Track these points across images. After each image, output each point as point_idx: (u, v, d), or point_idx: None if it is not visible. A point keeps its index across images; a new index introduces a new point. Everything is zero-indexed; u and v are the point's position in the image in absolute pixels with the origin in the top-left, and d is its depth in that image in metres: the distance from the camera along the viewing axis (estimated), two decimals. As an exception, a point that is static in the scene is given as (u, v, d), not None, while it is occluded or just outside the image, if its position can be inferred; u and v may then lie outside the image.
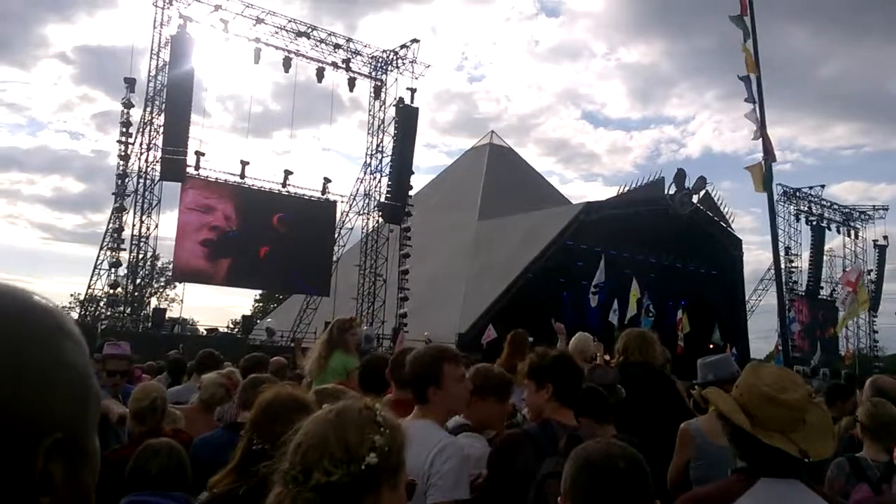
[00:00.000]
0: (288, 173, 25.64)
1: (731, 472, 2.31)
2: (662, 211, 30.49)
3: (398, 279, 26.88)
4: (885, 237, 39.17)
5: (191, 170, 23.29)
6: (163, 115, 22.80)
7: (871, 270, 37.67)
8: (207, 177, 24.17)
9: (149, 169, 23.18)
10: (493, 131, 42.53)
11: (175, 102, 22.41)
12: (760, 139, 5.02)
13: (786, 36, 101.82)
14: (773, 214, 4.95)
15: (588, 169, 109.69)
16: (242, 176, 24.70)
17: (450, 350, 3.19)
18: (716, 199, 33.80)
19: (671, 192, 31.58)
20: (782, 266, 35.71)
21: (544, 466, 2.46)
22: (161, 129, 22.69)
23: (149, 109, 23.24)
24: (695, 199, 32.40)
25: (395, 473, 1.47)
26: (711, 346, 24.08)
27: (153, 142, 23.07)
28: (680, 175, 32.00)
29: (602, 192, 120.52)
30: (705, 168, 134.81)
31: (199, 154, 23.55)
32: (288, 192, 25.81)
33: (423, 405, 2.88)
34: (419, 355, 3.06)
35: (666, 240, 30.03)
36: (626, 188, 32.38)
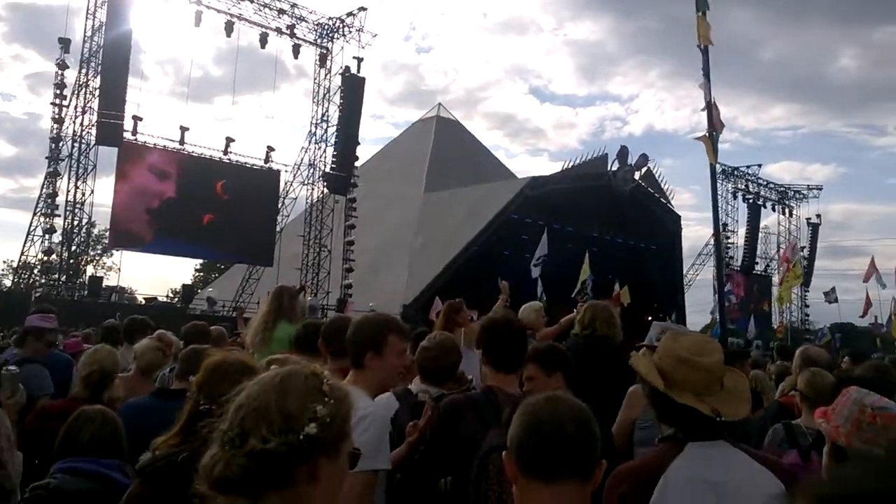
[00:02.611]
0: (229, 140, 25.07)
1: (657, 442, 2.39)
2: (605, 186, 30.96)
3: (343, 250, 26.70)
4: (818, 216, 40.69)
5: (128, 135, 22.54)
6: (99, 78, 21.99)
7: (804, 247, 39.00)
8: (145, 142, 23.44)
9: (84, 133, 22.41)
10: (440, 104, 42.40)
11: (112, 64, 21.58)
12: (706, 111, 5.13)
13: (729, 17, 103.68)
14: (714, 186, 5.08)
15: (534, 144, 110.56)
16: (182, 142, 24.04)
17: (398, 322, 3.14)
18: (657, 175, 34.47)
19: (614, 168, 32.07)
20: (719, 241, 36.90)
21: (488, 439, 2.45)
22: (97, 92, 21.89)
23: (84, 71, 22.41)
24: (637, 175, 32.98)
25: (336, 444, 1.44)
26: (650, 319, 24.67)
27: (89, 105, 22.28)
28: (623, 152, 32.51)
29: (548, 168, 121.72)
30: (648, 145, 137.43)
31: (136, 118, 22.82)
32: (230, 159, 25.25)
33: (357, 371, 2.85)
34: (367, 319, 3.02)
35: (608, 215, 30.54)
36: (571, 164, 32.71)
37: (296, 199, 28.60)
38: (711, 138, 5.04)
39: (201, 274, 50.34)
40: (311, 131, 28.18)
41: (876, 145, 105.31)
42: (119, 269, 26.08)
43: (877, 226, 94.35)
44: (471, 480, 2.37)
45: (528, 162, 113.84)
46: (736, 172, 37.78)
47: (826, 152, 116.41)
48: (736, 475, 2.12)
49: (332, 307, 24.10)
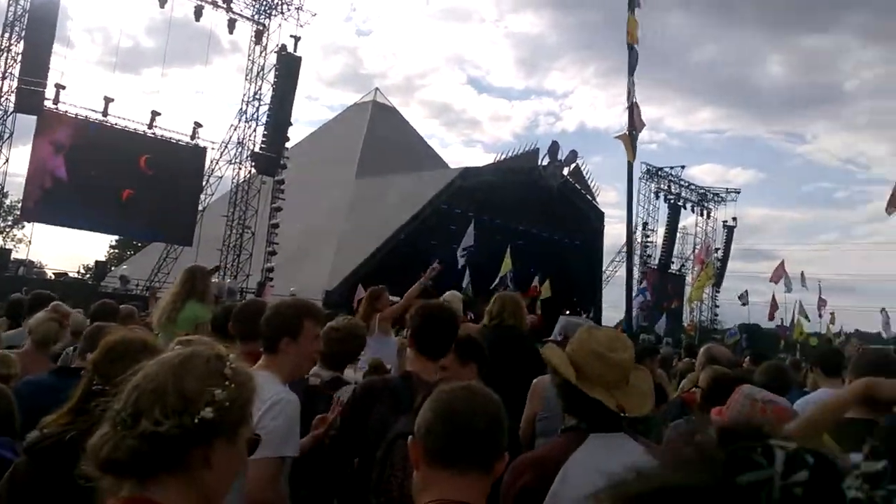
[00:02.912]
0: (155, 114, 24.18)
1: (560, 432, 2.46)
2: (535, 181, 31.41)
3: (267, 233, 26.22)
4: (735, 219, 42.15)
5: (49, 103, 21.52)
6: (22, 43, 20.92)
7: (719, 249, 40.49)
8: (67, 112, 22.38)
9: (2, 99, 21.26)
10: (377, 89, 42.00)
11: (37, 30, 20.59)
12: (629, 110, 5.28)
13: (662, 19, 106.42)
14: (630, 184, 5.23)
15: (469, 135, 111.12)
16: (105, 113, 23.03)
17: (315, 307, 3.15)
18: (585, 172, 35.16)
19: (544, 163, 32.56)
20: (639, 240, 38.07)
21: (398, 424, 2.46)
22: (19, 58, 20.85)
23: (7, 35, 21.22)
24: (565, 171, 33.58)
25: (233, 428, 1.42)
26: (567, 313, 25.26)
27: (9, 70, 21.14)
28: (553, 147, 33.04)
29: (482, 159, 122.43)
30: (578, 142, 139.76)
31: (59, 87, 21.76)
32: (154, 134, 24.38)
33: (270, 356, 2.83)
34: (284, 304, 3.01)
35: (535, 209, 31.00)
36: (503, 156, 33.05)
37: (221, 178, 27.89)
38: (631, 137, 5.19)
39: (116, 251, 48.65)
40: (241, 109, 27.49)
41: (796, 153, 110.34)
42: (30, 242, 24.84)
43: (790, 231, 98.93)
44: (375, 464, 2.38)
45: (463, 152, 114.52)
46: (660, 173, 38.85)
47: (748, 157, 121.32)
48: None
49: (251, 291, 23.65)
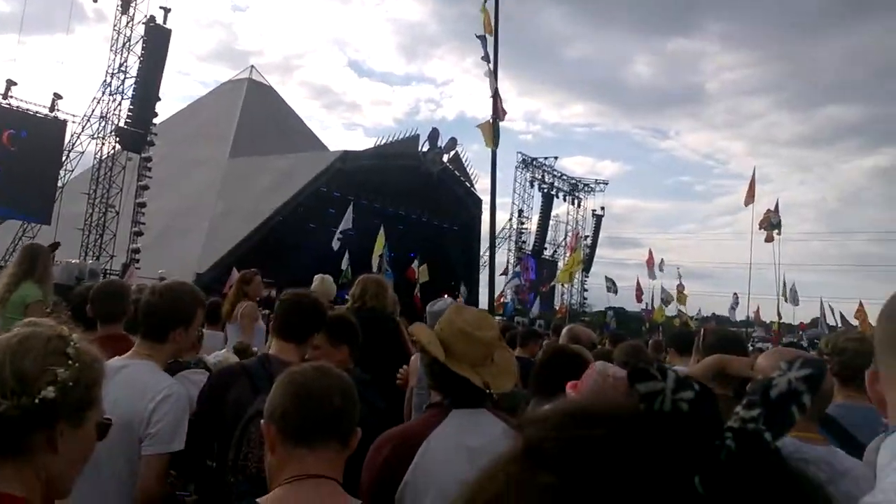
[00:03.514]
0: (11, 83, 22.44)
1: (425, 409, 2.52)
2: (415, 167, 31.57)
3: (133, 212, 24.90)
4: (603, 208, 44.23)
5: None
6: None
7: (588, 236, 42.40)
8: None
9: None
10: (253, 66, 40.69)
11: None
12: (492, 99, 5.40)
13: (542, 14, 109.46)
14: (493, 171, 5.39)
15: (350, 118, 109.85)
16: (-50, 80, 21.18)
17: (203, 295, 3.11)
18: (464, 160, 35.72)
19: (424, 149, 32.78)
20: (514, 227, 39.20)
21: (256, 403, 2.42)
22: None
23: None
24: (445, 158, 33.96)
25: (79, 410, 1.38)
26: (445, 295, 25.66)
27: None
28: (434, 134, 33.33)
29: (362, 143, 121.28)
30: (458, 129, 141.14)
31: None
32: (9, 104, 22.58)
33: (155, 344, 2.74)
34: (178, 291, 2.88)
35: (415, 194, 31.19)
36: (384, 141, 32.98)
37: (83, 153, 26.23)
38: (494, 125, 5.34)
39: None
40: (105, 81, 25.84)
41: (660, 148, 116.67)
42: None
43: (653, 221, 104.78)
44: (233, 444, 2.36)
45: (343, 136, 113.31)
46: (535, 163, 40.10)
47: (615, 150, 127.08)
48: (492, 441, 2.29)
49: (115, 272, 22.41)
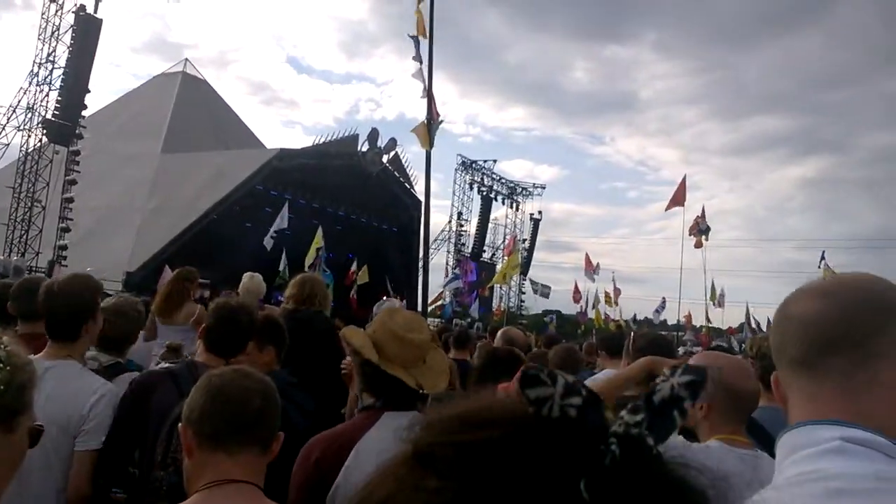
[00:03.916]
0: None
1: (357, 412, 2.52)
2: (354, 166, 31.34)
3: (60, 207, 23.99)
4: (540, 212, 44.81)
5: None
6: None
7: (526, 240, 42.93)
8: None
9: None
10: (187, 59, 39.64)
11: None
12: (426, 100, 5.39)
13: (481, 17, 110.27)
14: (428, 173, 5.38)
15: (288, 115, 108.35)
16: None
17: (97, 281, 3.05)
18: (404, 161, 35.66)
19: (364, 149, 32.60)
20: (454, 229, 39.38)
21: (177, 408, 2.42)
22: None
23: None
24: (385, 158, 33.85)
25: (10, 415, 1.32)
26: (385, 298, 25.56)
27: None
28: (373, 134, 33.14)
29: (301, 141, 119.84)
30: (398, 130, 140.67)
31: None
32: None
33: (69, 343, 2.68)
34: (73, 284, 2.82)
35: (354, 194, 30.99)
36: (323, 139, 32.65)
37: (8, 145, 25.19)
38: (429, 126, 5.33)
39: None
40: (32, 71, 24.87)
41: (595, 153, 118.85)
42: None
43: (589, 225, 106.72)
44: (160, 441, 2.31)
45: (282, 133, 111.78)
46: (474, 165, 40.38)
47: (553, 154, 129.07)
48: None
49: (41, 269, 21.56)
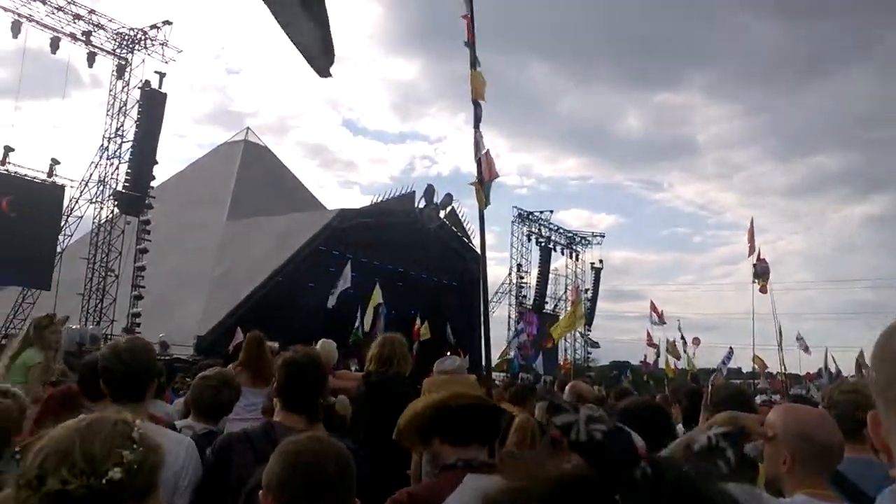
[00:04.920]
0: (8, 150, 22.63)
1: (437, 473, 2.51)
2: (412, 223, 31.76)
3: (133, 276, 24.92)
4: (601, 261, 44.25)
5: None
6: None
7: (588, 289, 42.33)
8: None
9: None
10: (248, 128, 41.23)
11: None
12: (477, 162, 5.46)
13: (530, 71, 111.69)
14: (482, 230, 5.40)
15: (345, 176, 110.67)
16: (-49, 147, 21.37)
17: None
18: (460, 215, 35.93)
19: (421, 205, 33.05)
20: (514, 281, 39.18)
21: (257, 473, 2.45)
22: None
23: None
24: (442, 214, 34.21)
25: (142, 494, 1.41)
26: (449, 352, 25.47)
27: None
28: (429, 190, 33.65)
29: (360, 201, 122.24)
30: (453, 185, 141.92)
31: None
32: (7, 170, 22.77)
33: (135, 404, 2.73)
34: (139, 349, 2.91)
35: (413, 251, 31.29)
36: (380, 198, 33.26)
37: (81, 217, 26.40)
38: (483, 186, 5.39)
39: (-38, 296, 44.54)
40: (103, 146, 26.21)
41: (653, 199, 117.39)
42: None
43: (652, 272, 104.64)
44: None
45: (340, 194, 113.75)
46: (530, 217, 40.34)
47: (610, 202, 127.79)
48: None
49: (117, 337, 22.34)
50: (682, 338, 29.30)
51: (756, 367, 27.47)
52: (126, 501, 1.37)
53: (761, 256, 23.00)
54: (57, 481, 1.31)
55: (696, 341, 29.31)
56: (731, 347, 28.21)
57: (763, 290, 22.60)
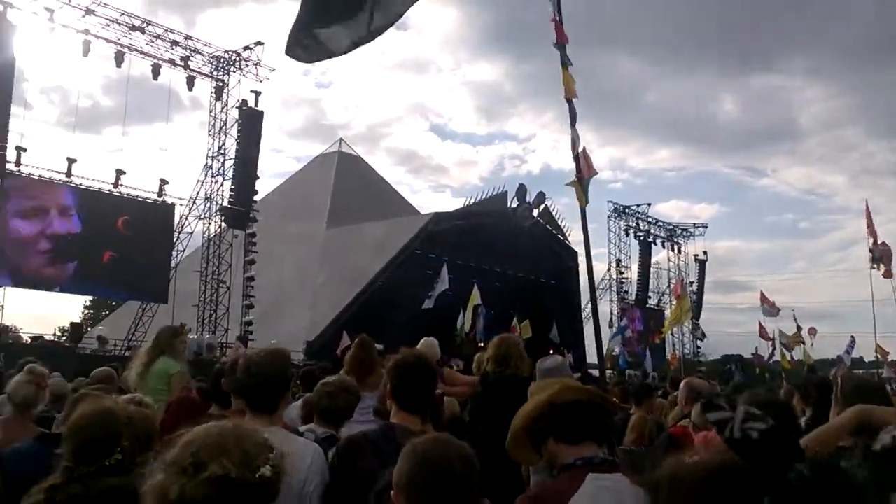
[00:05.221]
0: (120, 173, 24.00)
1: (557, 473, 2.48)
2: (505, 223, 31.71)
3: (243, 286, 26.05)
4: (705, 252, 42.83)
5: (11, 166, 21.25)
6: (-21, 106, 20.76)
7: (693, 282, 40.96)
8: (30, 174, 22.11)
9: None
10: (341, 139, 42.31)
11: (-6, 92, 20.45)
12: (575, 160, 5.40)
13: (617, 64, 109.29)
14: (585, 228, 5.30)
15: (436, 180, 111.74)
16: (69, 174, 22.76)
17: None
18: (554, 213, 35.59)
19: (514, 205, 32.95)
20: (614, 277, 38.42)
21: (385, 476, 2.39)
22: (-23, 122, 20.65)
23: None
24: (535, 212, 33.99)
25: (276, 495, 1.50)
26: (552, 351, 25.26)
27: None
28: (521, 189, 33.51)
29: (451, 204, 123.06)
30: (545, 183, 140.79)
31: (20, 149, 21.38)
32: (120, 192, 24.25)
33: (271, 415, 2.83)
34: (271, 360, 2.95)
35: (508, 250, 31.25)
36: (472, 200, 33.38)
37: (191, 233, 27.78)
38: (581, 183, 5.31)
39: (91, 311, 47.73)
40: (207, 164, 27.52)
41: (757, 186, 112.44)
42: (2, 307, 24.15)
43: (760, 261, 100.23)
44: None
45: (432, 198, 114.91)
46: (627, 211, 39.49)
47: (710, 191, 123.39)
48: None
49: (231, 345, 23.38)
50: (798, 328, 27.81)
51: (879, 356, 25.83)
52: (268, 500, 1.46)
53: (879, 240, 21.65)
54: (219, 467, 1.39)
55: (813, 331, 27.73)
56: (852, 336, 26.61)
57: (887, 274, 21.25)
